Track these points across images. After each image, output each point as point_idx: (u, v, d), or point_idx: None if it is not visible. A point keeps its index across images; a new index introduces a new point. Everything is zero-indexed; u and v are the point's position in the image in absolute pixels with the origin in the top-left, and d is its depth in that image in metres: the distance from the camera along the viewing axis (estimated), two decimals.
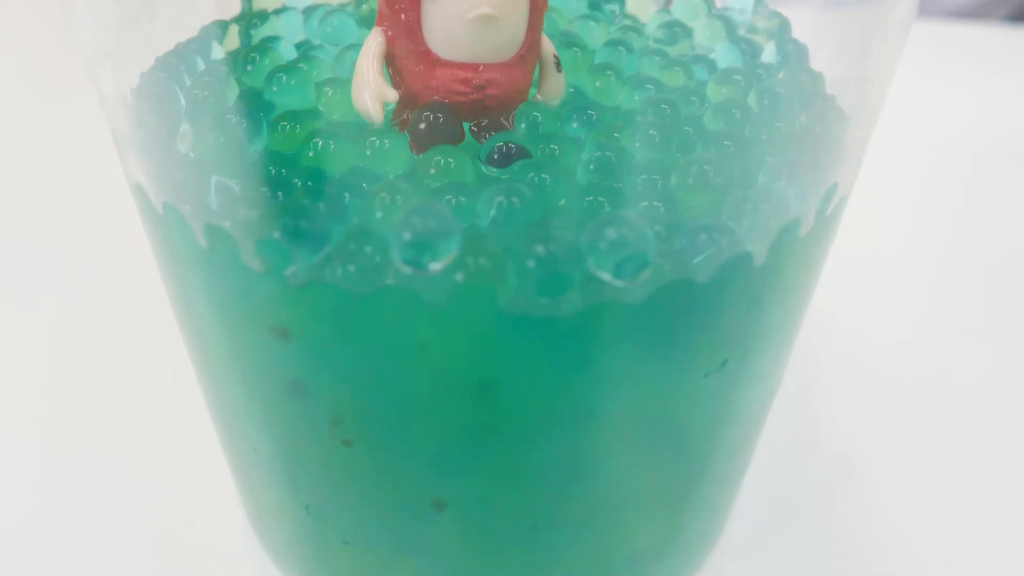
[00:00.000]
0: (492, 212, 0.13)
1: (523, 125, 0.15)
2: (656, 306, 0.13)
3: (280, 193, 0.13)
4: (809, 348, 0.28)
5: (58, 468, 0.23)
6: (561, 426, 0.15)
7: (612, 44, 0.18)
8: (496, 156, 0.14)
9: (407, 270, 0.12)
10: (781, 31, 0.18)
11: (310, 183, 0.13)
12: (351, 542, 0.18)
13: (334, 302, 0.13)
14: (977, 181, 0.35)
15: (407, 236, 0.12)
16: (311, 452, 0.16)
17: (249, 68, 0.16)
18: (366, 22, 0.18)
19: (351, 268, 0.12)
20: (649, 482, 0.17)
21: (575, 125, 0.15)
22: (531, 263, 0.12)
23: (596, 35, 0.19)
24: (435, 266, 0.12)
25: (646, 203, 0.13)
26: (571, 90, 0.16)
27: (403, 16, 0.14)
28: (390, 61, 0.14)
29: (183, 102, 0.15)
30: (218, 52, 0.17)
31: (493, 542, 0.17)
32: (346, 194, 0.13)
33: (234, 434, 0.18)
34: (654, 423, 0.16)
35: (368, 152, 0.14)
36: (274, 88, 0.15)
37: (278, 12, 0.18)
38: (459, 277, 0.12)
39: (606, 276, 0.13)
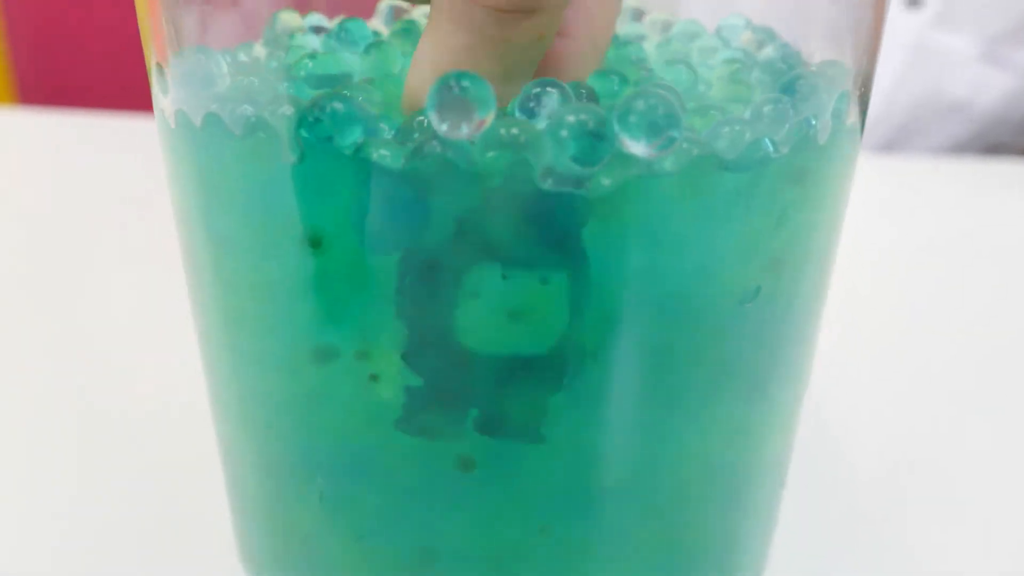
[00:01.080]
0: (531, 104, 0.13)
1: None
2: (686, 192, 0.14)
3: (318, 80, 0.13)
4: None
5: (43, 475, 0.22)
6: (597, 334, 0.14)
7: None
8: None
9: (443, 128, 0.13)
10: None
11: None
12: (366, 537, 0.17)
13: (367, 187, 0.13)
14: (970, 311, 0.35)
15: (447, 96, 0.12)
16: (333, 404, 0.15)
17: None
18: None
19: (389, 136, 0.13)
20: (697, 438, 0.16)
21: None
22: (564, 132, 0.13)
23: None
24: (468, 129, 0.13)
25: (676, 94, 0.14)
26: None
27: None
28: None
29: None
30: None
31: (529, 514, 0.16)
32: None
33: (244, 415, 0.17)
34: (697, 353, 0.15)
35: None
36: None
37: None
38: (494, 151, 0.13)
39: (638, 147, 0.13)
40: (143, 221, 0.27)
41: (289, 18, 0.18)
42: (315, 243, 0.14)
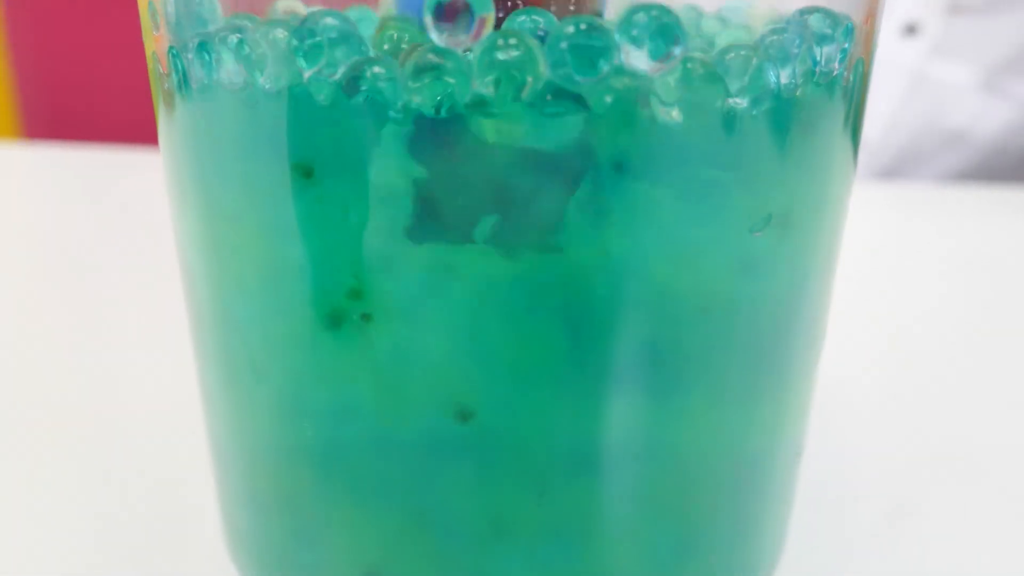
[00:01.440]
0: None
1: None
2: (688, 115, 0.13)
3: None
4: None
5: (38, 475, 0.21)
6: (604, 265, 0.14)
7: None
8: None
9: (441, 36, 0.12)
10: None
11: None
12: (362, 502, 0.16)
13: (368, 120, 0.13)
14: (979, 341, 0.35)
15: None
16: (324, 342, 0.15)
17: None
18: None
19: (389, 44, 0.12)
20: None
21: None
22: (564, 43, 0.12)
23: None
24: (465, 39, 0.12)
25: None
26: None
27: None
28: None
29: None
30: None
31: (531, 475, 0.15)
32: None
33: (230, 362, 0.16)
34: (708, 286, 0.15)
35: None
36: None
37: None
38: (494, 56, 0.12)
39: (640, 58, 0.13)
40: (149, 255, 0.27)
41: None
42: (307, 173, 0.14)
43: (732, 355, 0.16)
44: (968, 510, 0.23)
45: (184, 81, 0.14)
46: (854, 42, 0.15)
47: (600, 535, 0.17)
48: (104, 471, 0.22)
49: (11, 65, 0.78)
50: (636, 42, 0.12)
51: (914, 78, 0.55)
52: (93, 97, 0.77)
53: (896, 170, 0.57)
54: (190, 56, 0.14)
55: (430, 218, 0.14)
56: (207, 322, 0.17)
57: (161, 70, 0.15)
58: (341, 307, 0.14)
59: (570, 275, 0.14)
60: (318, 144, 0.13)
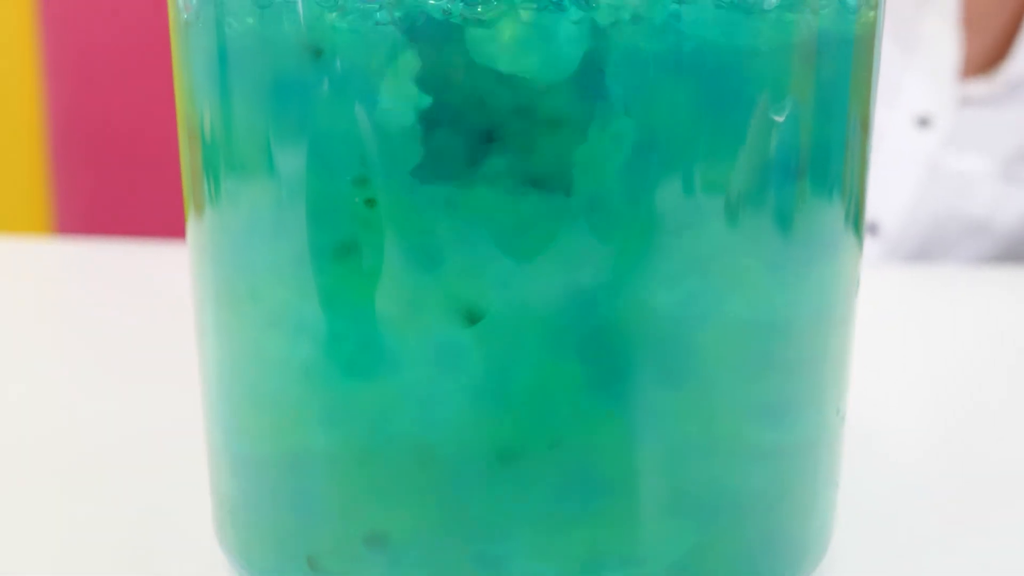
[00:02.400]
0: None
1: None
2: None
3: None
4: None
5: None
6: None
7: None
8: None
9: None
10: None
11: None
12: (371, 442, 0.16)
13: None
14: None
15: None
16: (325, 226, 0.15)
17: None
18: None
19: None
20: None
21: None
22: None
23: None
24: None
25: None
26: None
27: None
28: None
29: None
30: None
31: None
32: None
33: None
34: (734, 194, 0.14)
35: None
36: None
37: None
38: None
39: None
40: (180, 349, 0.27)
41: None
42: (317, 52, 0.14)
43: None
44: None
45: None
46: None
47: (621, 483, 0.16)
48: None
49: (48, 162, 0.81)
50: None
51: (931, 168, 0.56)
52: (128, 191, 0.80)
53: (920, 259, 0.57)
54: None
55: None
56: (208, 256, 0.17)
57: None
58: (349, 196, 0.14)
59: None
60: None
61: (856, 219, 0.17)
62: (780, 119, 0.15)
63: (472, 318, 0.15)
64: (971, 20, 0.54)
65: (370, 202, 0.14)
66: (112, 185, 0.77)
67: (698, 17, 0.14)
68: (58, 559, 0.19)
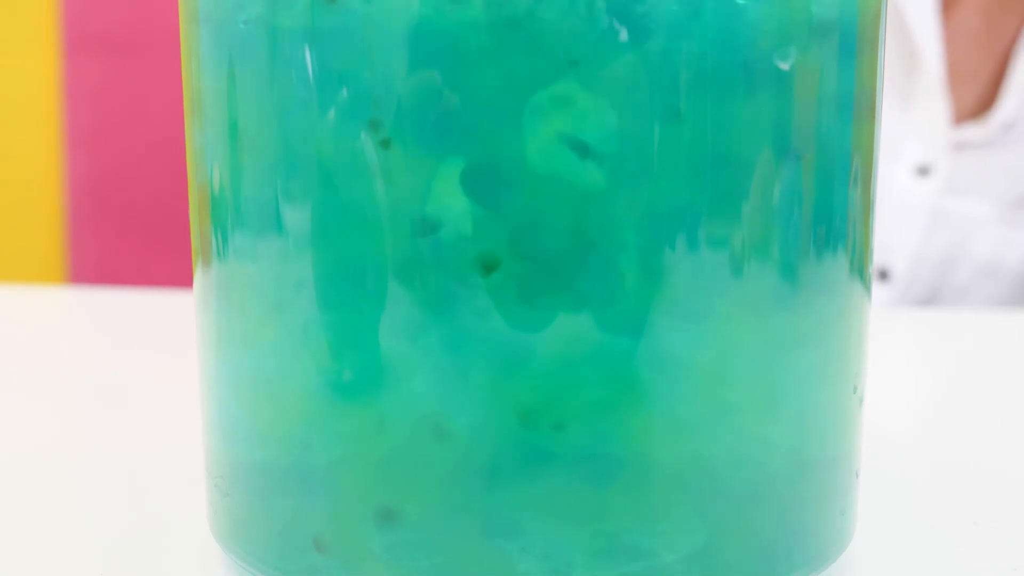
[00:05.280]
0: None
1: None
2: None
3: None
4: None
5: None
6: None
7: None
8: None
9: None
10: None
11: None
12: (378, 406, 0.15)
13: None
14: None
15: None
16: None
17: None
18: None
19: None
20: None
21: None
22: None
23: None
24: None
25: None
26: None
27: None
28: None
29: None
30: None
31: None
32: None
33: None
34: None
35: None
36: None
37: None
38: None
39: None
40: (190, 396, 0.26)
41: None
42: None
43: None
44: None
45: None
46: None
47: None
48: None
49: (64, 216, 0.82)
50: None
51: (934, 214, 0.56)
52: (143, 239, 0.80)
53: (931, 302, 0.57)
54: None
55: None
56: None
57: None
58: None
59: None
60: None
61: (862, 257, 0.17)
62: (786, 66, 0.15)
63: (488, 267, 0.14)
64: (958, 74, 0.56)
65: (385, 143, 0.14)
66: (125, 240, 0.79)
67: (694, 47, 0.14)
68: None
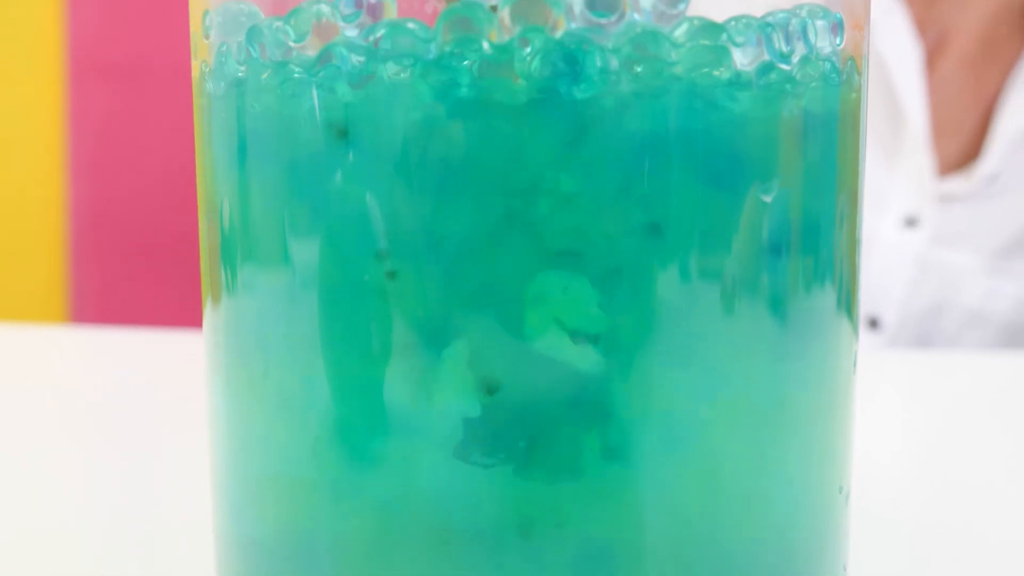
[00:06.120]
0: None
1: None
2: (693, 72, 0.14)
3: None
4: None
5: None
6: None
7: None
8: None
9: None
10: None
11: None
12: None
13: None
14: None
15: None
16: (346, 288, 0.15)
17: None
18: None
19: None
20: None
21: None
22: None
23: None
24: None
25: None
26: None
27: None
28: None
29: None
30: None
31: None
32: None
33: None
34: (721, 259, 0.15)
35: None
36: None
37: None
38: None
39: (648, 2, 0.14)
40: (194, 436, 0.27)
41: None
42: (341, 133, 0.14)
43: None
44: None
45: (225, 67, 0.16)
46: (846, 37, 0.16)
47: None
48: None
49: (66, 240, 0.82)
50: None
51: (921, 264, 0.57)
52: (146, 278, 0.81)
53: (920, 350, 0.58)
54: (235, 48, 0.15)
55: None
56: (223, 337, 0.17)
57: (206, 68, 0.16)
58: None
59: None
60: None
61: (849, 298, 0.18)
62: (768, 199, 0.15)
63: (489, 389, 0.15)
64: (942, 128, 0.57)
65: (391, 274, 0.15)
66: (127, 267, 0.79)
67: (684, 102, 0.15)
68: None
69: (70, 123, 0.82)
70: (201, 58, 0.16)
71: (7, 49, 0.81)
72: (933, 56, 0.57)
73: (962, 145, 0.58)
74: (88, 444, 0.32)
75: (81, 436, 0.33)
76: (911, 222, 0.58)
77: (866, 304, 0.57)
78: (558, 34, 0.14)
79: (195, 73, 0.17)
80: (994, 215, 0.57)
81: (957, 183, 0.57)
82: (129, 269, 0.80)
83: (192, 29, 0.17)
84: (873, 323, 0.58)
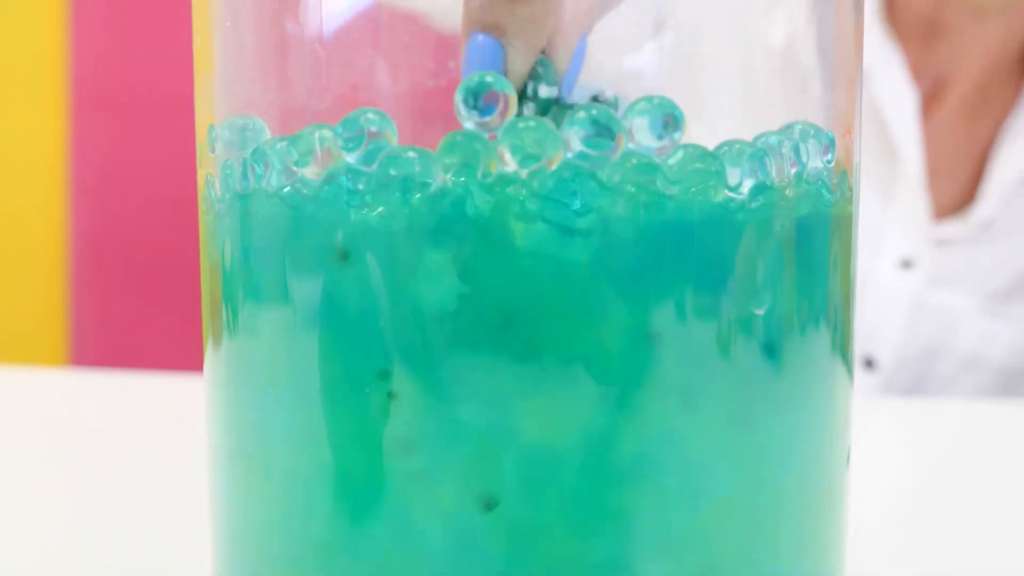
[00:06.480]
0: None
1: None
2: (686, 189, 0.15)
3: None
4: None
5: None
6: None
7: None
8: None
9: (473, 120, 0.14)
10: None
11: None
12: None
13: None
14: None
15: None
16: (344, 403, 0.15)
17: None
18: None
19: None
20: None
21: None
22: (582, 114, 0.14)
23: None
24: (493, 120, 0.14)
25: None
26: None
27: None
28: None
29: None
30: None
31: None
32: None
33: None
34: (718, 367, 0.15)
35: None
36: None
37: None
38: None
39: (644, 136, 0.14)
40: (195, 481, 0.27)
41: None
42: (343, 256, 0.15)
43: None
44: None
45: (236, 187, 0.16)
46: (836, 151, 0.17)
47: None
48: None
49: (67, 268, 0.83)
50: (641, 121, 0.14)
51: (917, 306, 0.58)
52: (147, 322, 0.81)
53: (917, 393, 0.58)
54: (239, 168, 0.16)
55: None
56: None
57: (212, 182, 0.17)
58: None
59: None
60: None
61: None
62: (760, 312, 0.16)
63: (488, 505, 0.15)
64: (937, 172, 0.57)
65: (392, 395, 0.15)
66: (127, 297, 0.80)
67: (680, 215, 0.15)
68: None
69: (72, 154, 0.82)
70: (206, 171, 0.17)
71: (10, 80, 0.82)
72: (929, 102, 0.57)
73: (957, 190, 0.58)
74: (86, 490, 0.32)
75: (79, 481, 0.33)
76: (907, 264, 0.58)
77: (862, 344, 0.58)
78: (556, 165, 0.14)
79: (200, 182, 0.17)
80: (990, 259, 0.57)
81: (953, 227, 0.57)
82: (130, 300, 0.81)
83: (198, 141, 0.17)
84: (869, 363, 0.58)
